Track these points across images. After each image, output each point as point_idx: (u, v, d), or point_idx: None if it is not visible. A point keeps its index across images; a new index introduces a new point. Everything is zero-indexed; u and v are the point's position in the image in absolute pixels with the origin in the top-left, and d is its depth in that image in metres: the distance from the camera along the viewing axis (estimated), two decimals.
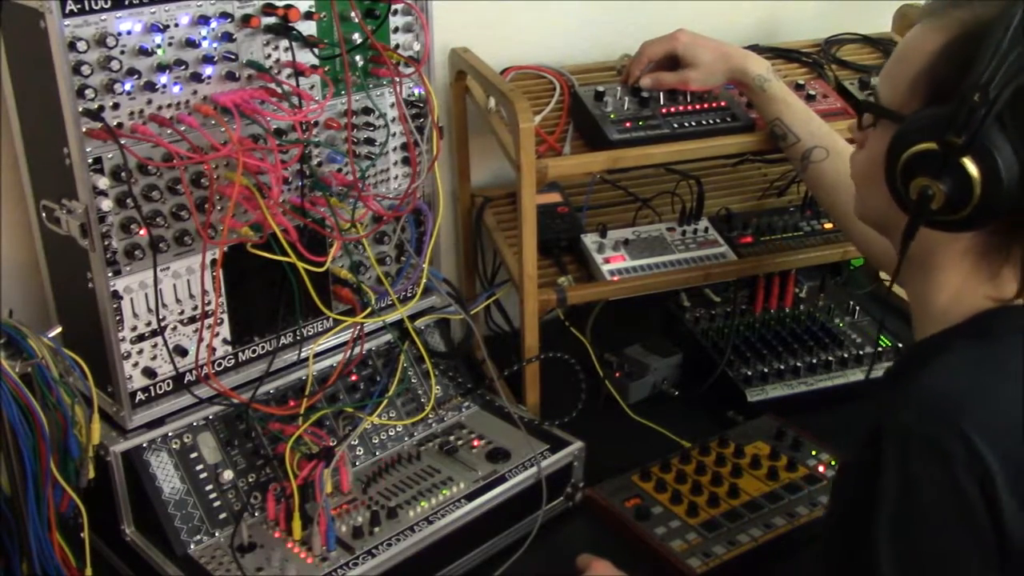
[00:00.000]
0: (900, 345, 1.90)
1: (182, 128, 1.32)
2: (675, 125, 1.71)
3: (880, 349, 1.90)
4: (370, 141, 1.55)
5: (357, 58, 1.50)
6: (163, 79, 1.30)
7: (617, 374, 1.85)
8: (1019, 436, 1.01)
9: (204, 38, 1.33)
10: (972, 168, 1.03)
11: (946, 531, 1.01)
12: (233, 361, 1.49)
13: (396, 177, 1.62)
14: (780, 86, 1.71)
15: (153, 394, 1.41)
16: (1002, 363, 1.06)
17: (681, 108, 1.74)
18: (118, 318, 1.34)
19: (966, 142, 1.03)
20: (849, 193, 1.58)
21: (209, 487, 1.42)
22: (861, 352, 1.88)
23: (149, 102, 1.30)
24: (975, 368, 1.07)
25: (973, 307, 1.12)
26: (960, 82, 1.03)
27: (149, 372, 1.39)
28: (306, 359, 1.53)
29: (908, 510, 1.01)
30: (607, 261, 1.76)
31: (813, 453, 1.67)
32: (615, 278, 1.74)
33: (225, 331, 1.47)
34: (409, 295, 1.66)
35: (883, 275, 2.17)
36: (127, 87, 1.27)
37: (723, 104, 1.77)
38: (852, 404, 1.81)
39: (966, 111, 1.02)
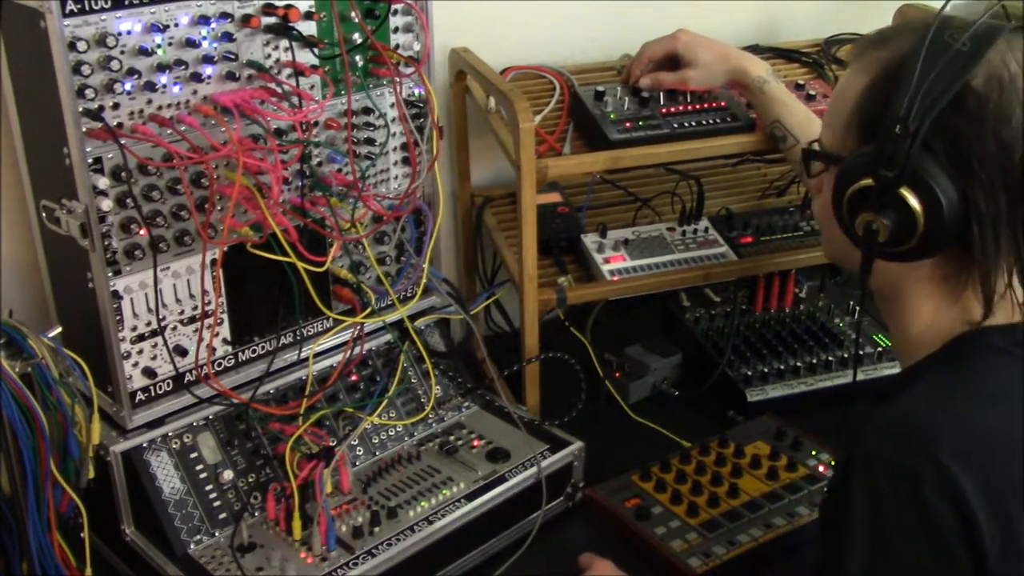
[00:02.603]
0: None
1: (182, 128, 1.32)
2: (675, 125, 1.71)
3: (881, 349, 1.90)
4: (370, 141, 1.55)
5: (357, 58, 1.50)
6: (163, 79, 1.30)
7: (617, 374, 1.85)
8: (998, 456, 1.01)
9: (204, 38, 1.33)
10: (911, 198, 1.07)
11: (916, 551, 1.01)
12: (233, 361, 1.49)
13: (396, 177, 1.62)
14: (780, 88, 1.71)
15: (153, 394, 1.41)
16: (977, 386, 1.08)
17: (681, 108, 1.74)
18: (118, 318, 1.34)
19: (897, 174, 1.06)
20: None
21: (209, 487, 1.42)
22: (861, 352, 1.87)
23: (149, 102, 1.30)
24: (947, 393, 1.08)
25: (948, 332, 1.14)
26: (884, 118, 1.07)
27: (149, 372, 1.39)
28: (306, 359, 1.53)
29: (879, 532, 1.02)
30: (607, 261, 1.76)
31: (813, 453, 1.67)
32: (615, 278, 1.74)
33: (225, 331, 1.47)
34: (409, 295, 1.66)
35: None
36: (127, 87, 1.27)
37: (723, 104, 1.77)
38: (852, 404, 1.82)
39: (892, 144, 1.06)
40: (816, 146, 1.23)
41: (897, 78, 1.07)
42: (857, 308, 2.00)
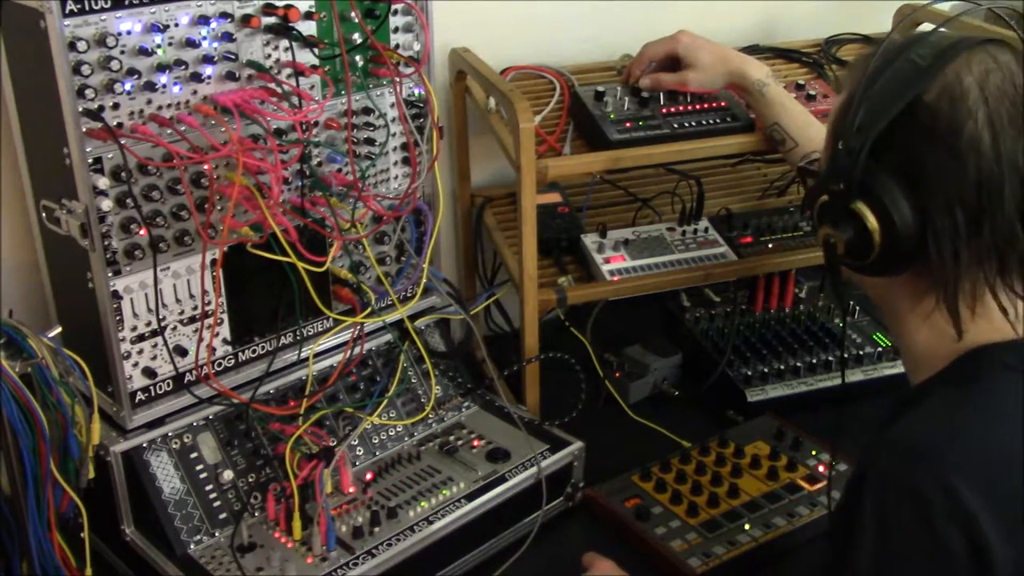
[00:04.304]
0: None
1: (182, 128, 1.32)
2: (675, 125, 1.71)
3: (881, 349, 1.90)
4: (370, 141, 1.55)
5: (357, 58, 1.50)
6: (163, 79, 1.30)
7: (617, 374, 1.85)
8: (1011, 477, 1.00)
9: (204, 38, 1.33)
10: (866, 212, 1.07)
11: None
12: (233, 361, 1.49)
13: (396, 177, 1.62)
14: (779, 90, 1.71)
15: (153, 394, 1.41)
16: (987, 404, 1.06)
17: (681, 108, 1.74)
18: (118, 318, 1.34)
19: (846, 188, 1.07)
20: None
21: (209, 487, 1.42)
22: (861, 352, 1.88)
23: (149, 102, 1.30)
24: (956, 412, 1.06)
25: (953, 350, 1.11)
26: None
27: (149, 372, 1.39)
28: (306, 359, 1.53)
29: (886, 556, 1.01)
30: (607, 261, 1.76)
31: (813, 453, 1.67)
32: (615, 278, 1.74)
33: (225, 331, 1.47)
34: (409, 295, 1.66)
35: None
36: (127, 87, 1.27)
37: (723, 104, 1.77)
38: (852, 404, 1.81)
39: (841, 159, 1.07)
40: (816, 167, 1.25)
41: (855, 95, 1.07)
42: (856, 306, 2.01)
